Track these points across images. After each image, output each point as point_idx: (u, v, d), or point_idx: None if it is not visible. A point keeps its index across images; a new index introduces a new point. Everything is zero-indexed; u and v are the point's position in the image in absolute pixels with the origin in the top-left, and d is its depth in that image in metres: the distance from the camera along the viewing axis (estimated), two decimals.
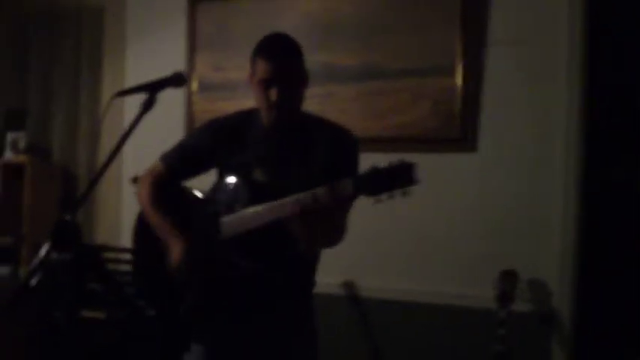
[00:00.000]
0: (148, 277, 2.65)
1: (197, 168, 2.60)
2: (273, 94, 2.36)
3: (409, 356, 3.64)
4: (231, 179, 2.47)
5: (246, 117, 2.55)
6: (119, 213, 4.46)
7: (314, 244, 2.22)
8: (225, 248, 2.38)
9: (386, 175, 1.88)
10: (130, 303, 2.43)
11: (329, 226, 2.21)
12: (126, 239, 4.39)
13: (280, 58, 2.38)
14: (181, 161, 2.61)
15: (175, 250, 2.44)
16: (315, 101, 3.76)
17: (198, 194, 2.60)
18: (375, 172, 1.90)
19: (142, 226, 2.64)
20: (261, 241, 2.33)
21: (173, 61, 4.10)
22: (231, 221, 2.38)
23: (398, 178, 1.87)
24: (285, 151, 2.44)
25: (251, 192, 2.35)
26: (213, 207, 2.46)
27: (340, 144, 2.44)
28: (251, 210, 2.32)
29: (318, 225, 2.14)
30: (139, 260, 2.67)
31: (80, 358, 3.61)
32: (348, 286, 3.79)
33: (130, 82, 4.27)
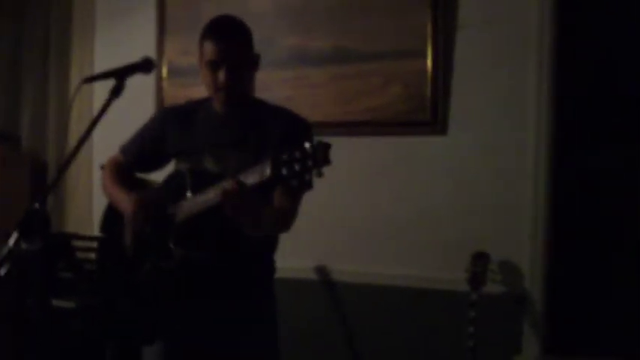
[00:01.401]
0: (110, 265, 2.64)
1: (153, 156, 2.61)
2: (221, 75, 2.36)
3: (382, 340, 3.65)
4: (182, 167, 2.47)
5: (197, 104, 2.57)
6: (90, 200, 4.42)
7: (252, 227, 2.19)
8: (165, 235, 2.37)
9: (305, 156, 1.86)
10: (100, 291, 2.42)
11: (260, 208, 2.18)
12: (97, 227, 4.35)
13: (227, 39, 2.38)
14: (137, 149, 2.63)
15: (128, 205, 2.44)
16: (286, 85, 3.77)
17: (153, 184, 2.60)
18: (294, 153, 1.87)
19: (108, 215, 2.65)
20: (205, 229, 2.33)
21: (142, 47, 4.05)
22: (174, 210, 2.38)
23: (316, 158, 1.85)
24: (236, 138, 2.43)
25: (200, 180, 2.33)
26: (162, 195, 2.45)
27: (292, 130, 2.42)
28: (190, 198, 2.32)
29: (247, 207, 2.11)
30: (104, 248, 2.66)
31: (52, 347, 3.59)
32: (321, 270, 3.79)
33: (99, 67, 4.23)
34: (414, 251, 3.63)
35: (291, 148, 1.88)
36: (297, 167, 1.86)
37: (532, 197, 3.39)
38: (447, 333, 3.43)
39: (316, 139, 1.89)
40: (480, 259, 3.30)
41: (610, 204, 3.44)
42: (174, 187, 2.41)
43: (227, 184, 2.09)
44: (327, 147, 1.87)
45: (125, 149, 2.66)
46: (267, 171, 1.94)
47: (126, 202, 2.47)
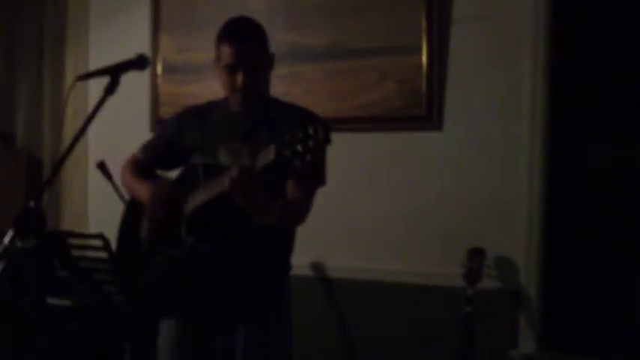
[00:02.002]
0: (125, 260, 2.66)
1: (171, 154, 2.64)
2: (239, 78, 2.40)
3: (378, 335, 3.66)
4: (197, 161, 2.49)
5: (215, 104, 2.61)
6: (85, 198, 4.42)
7: (261, 213, 2.22)
8: (178, 225, 2.42)
9: (306, 136, 1.92)
10: (97, 290, 2.42)
11: (267, 194, 2.20)
12: (92, 225, 4.35)
13: (245, 42, 2.40)
14: (156, 147, 2.68)
15: (147, 193, 2.51)
16: (281, 82, 3.74)
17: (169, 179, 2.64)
18: (296, 134, 1.94)
19: (128, 212, 2.70)
20: (214, 220, 2.38)
21: (137, 44, 4.04)
22: (188, 200, 2.42)
23: (317, 138, 1.92)
24: (248, 134, 2.44)
25: (213, 174, 2.36)
26: (178, 188, 2.49)
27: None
28: (201, 189, 2.37)
29: (255, 193, 2.14)
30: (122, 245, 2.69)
31: (48, 345, 3.58)
32: (317, 266, 3.79)
33: (94, 64, 4.23)
34: (409, 247, 3.63)
35: (294, 130, 1.94)
36: (299, 148, 1.92)
37: (527, 193, 3.39)
38: (444, 328, 3.43)
39: (316, 122, 1.96)
40: (476, 254, 3.30)
41: (605, 199, 3.44)
42: (189, 180, 2.47)
43: (234, 170, 2.12)
44: (327, 127, 1.93)
45: (145, 148, 2.71)
46: (271, 153, 2.00)
47: (144, 192, 2.53)
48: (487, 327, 3.28)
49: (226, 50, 2.40)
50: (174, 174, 2.71)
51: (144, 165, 2.69)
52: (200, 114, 2.60)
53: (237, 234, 2.39)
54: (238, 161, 2.22)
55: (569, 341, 3.44)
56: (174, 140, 2.61)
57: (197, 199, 2.38)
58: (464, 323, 3.18)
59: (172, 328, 2.56)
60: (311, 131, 1.92)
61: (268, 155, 2.03)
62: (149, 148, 2.70)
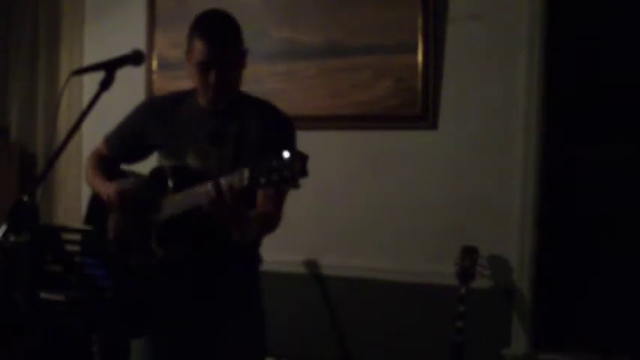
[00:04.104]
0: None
1: (135, 149, 2.60)
2: (212, 77, 2.33)
3: (371, 333, 3.66)
4: (165, 163, 2.46)
5: (181, 97, 2.54)
6: (79, 193, 4.41)
7: (242, 232, 2.20)
8: (147, 235, 2.37)
9: (282, 165, 1.87)
10: (89, 284, 2.41)
11: (241, 215, 2.18)
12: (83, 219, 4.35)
13: (218, 41, 2.33)
14: (119, 141, 2.61)
15: (109, 193, 2.44)
16: (277, 78, 3.76)
17: (136, 179, 2.58)
18: (271, 162, 1.89)
19: (92, 207, 2.65)
20: (185, 230, 2.32)
21: (132, 39, 4.04)
22: (157, 208, 2.37)
23: (293, 169, 1.86)
24: (216, 135, 2.41)
25: (182, 178, 2.33)
26: (146, 192, 2.44)
27: (272, 130, 2.40)
28: (172, 198, 2.32)
29: (236, 213, 2.13)
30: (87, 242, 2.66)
31: (40, 340, 3.57)
32: (310, 264, 3.79)
33: (89, 59, 4.22)
34: (403, 245, 3.64)
35: (269, 158, 1.89)
36: (274, 177, 1.88)
37: (521, 192, 3.39)
38: (436, 326, 3.44)
39: (293, 151, 1.89)
40: (469, 253, 3.31)
41: (598, 198, 3.45)
42: (157, 184, 2.39)
43: (211, 189, 2.08)
44: (304, 158, 1.88)
45: (108, 141, 2.64)
46: (245, 180, 1.97)
47: (106, 190, 2.47)
48: (480, 326, 3.29)
49: (199, 47, 2.32)
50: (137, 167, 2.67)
51: (108, 159, 2.63)
52: (166, 108, 2.52)
53: (207, 242, 2.33)
54: (210, 168, 2.19)
55: (562, 340, 3.44)
56: (139, 136, 2.55)
57: (168, 209, 2.32)
58: (457, 322, 3.18)
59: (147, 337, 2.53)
60: (287, 160, 1.86)
61: (242, 181, 1.98)
62: (114, 142, 2.62)
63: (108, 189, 2.46)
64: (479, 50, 3.51)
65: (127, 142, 2.60)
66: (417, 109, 3.58)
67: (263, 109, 2.48)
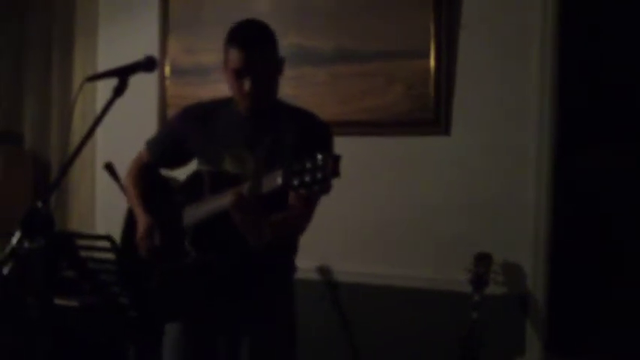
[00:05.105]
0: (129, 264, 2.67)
1: (176, 155, 2.63)
2: (247, 84, 2.35)
3: (384, 340, 3.65)
4: (202, 168, 2.48)
5: (221, 104, 2.56)
6: (92, 199, 4.43)
7: (257, 236, 2.20)
8: (182, 237, 2.40)
9: (315, 167, 1.87)
10: (103, 290, 2.42)
11: (265, 222, 2.19)
12: (100, 226, 4.36)
13: (253, 48, 2.35)
14: (161, 146, 2.65)
15: (140, 224, 2.50)
16: (288, 84, 3.75)
17: (175, 183, 2.62)
18: (304, 163, 1.89)
19: (130, 214, 2.69)
20: (219, 232, 2.34)
21: (145, 45, 4.05)
22: (191, 211, 2.41)
23: (325, 171, 1.86)
24: (252, 140, 2.42)
25: (218, 182, 2.35)
26: (181, 196, 2.48)
27: (311, 132, 2.43)
28: (205, 201, 2.35)
29: (254, 217, 2.14)
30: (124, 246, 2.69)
31: (53, 346, 3.58)
32: (323, 270, 3.79)
33: (102, 66, 4.23)
34: (416, 252, 3.63)
35: (303, 159, 1.89)
36: (307, 178, 1.88)
37: (535, 198, 3.38)
38: (450, 334, 3.42)
39: (325, 153, 1.89)
40: (483, 260, 3.30)
41: (612, 205, 3.44)
42: (194, 188, 2.43)
43: (238, 193, 2.11)
44: (336, 158, 1.88)
45: (151, 147, 2.68)
46: (279, 180, 1.97)
47: (140, 221, 2.53)
48: (494, 333, 3.27)
49: (234, 55, 2.35)
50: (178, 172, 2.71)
51: (150, 166, 2.67)
52: (205, 116, 2.55)
53: (240, 243, 2.33)
54: (247, 173, 2.20)
55: (576, 347, 3.43)
56: (179, 142, 2.59)
57: (201, 212, 2.35)
58: (470, 329, 3.17)
59: (176, 330, 2.56)
60: (320, 162, 1.86)
61: (276, 181, 1.99)
62: (155, 148, 2.67)
63: (139, 218, 2.53)
64: (491, 56, 3.50)
65: (167, 148, 2.64)
66: (430, 115, 3.57)
67: (301, 116, 2.51)
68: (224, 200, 2.19)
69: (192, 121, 2.57)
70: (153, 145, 2.68)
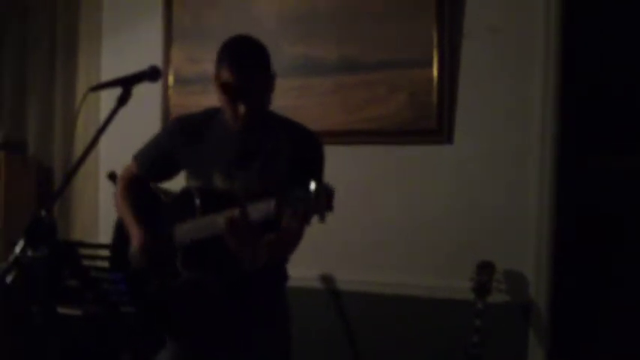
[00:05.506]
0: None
1: (165, 167, 2.60)
2: (242, 108, 2.31)
3: (387, 348, 3.65)
4: (192, 184, 2.47)
5: (210, 116, 2.52)
6: (96, 208, 4.43)
7: (253, 259, 2.20)
8: (173, 257, 2.38)
9: (308, 197, 1.86)
10: (106, 299, 2.43)
11: (261, 242, 2.19)
12: (103, 235, 4.36)
13: (247, 70, 2.31)
14: (150, 159, 2.62)
15: (134, 241, 2.48)
16: (292, 94, 3.77)
17: (165, 198, 2.60)
18: (298, 193, 1.88)
19: (119, 225, 2.67)
20: (211, 253, 2.33)
21: (149, 55, 4.07)
22: (182, 231, 2.39)
23: (318, 203, 1.86)
24: (244, 156, 2.41)
25: (208, 199, 2.33)
26: (171, 213, 2.46)
27: (304, 147, 2.41)
28: (197, 221, 2.32)
29: (249, 242, 2.14)
30: (115, 257, 2.69)
31: (56, 354, 3.59)
32: (326, 279, 3.79)
33: (106, 75, 4.25)
34: (419, 260, 3.63)
35: (296, 188, 1.89)
36: (300, 207, 1.88)
37: (537, 206, 3.38)
38: (453, 342, 3.42)
39: (320, 185, 1.88)
40: (485, 268, 3.30)
41: (614, 212, 3.43)
42: (184, 206, 2.39)
43: (233, 215, 2.09)
44: (330, 193, 1.88)
45: (138, 159, 2.64)
46: (272, 209, 1.97)
47: (134, 235, 2.50)
48: (496, 341, 3.27)
49: (226, 74, 2.30)
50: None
51: (138, 178, 2.64)
52: (196, 128, 2.51)
53: (234, 265, 2.31)
54: (236, 190, 2.21)
55: (579, 355, 3.42)
56: (168, 155, 2.55)
57: (192, 232, 2.33)
58: (473, 337, 3.17)
59: (174, 345, 2.55)
60: (313, 193, 1.85)
61: (269, 210, 1.99)
62: (143, 160, 2.62)
63: (133, 231, 2.50)
64: (494, 64, 3.50)
65: (156, 161, 2.60)
66: (432, 124, 3.58)
67: (292, 129, 2.47)
68: (217, 224, 2.17)
69: (182, 134, 2.52)
70: (141, 157, 2.63)
